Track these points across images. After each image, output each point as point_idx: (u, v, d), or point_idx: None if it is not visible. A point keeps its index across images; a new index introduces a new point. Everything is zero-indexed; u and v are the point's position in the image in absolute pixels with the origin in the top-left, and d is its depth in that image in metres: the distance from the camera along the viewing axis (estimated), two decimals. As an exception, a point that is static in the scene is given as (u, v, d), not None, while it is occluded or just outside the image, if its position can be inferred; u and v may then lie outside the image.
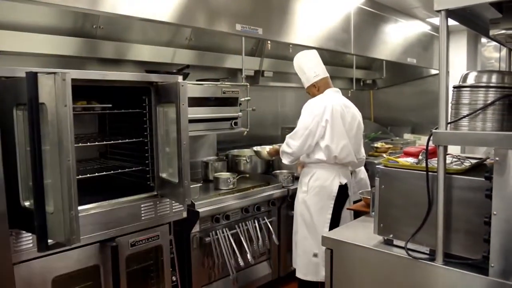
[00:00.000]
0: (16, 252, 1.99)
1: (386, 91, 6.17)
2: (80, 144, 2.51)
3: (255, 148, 3.66)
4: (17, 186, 1.93)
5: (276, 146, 3.37)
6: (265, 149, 3.54)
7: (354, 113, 3.09)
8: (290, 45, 3.89)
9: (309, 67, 3.10)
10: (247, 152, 3.99)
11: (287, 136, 3.00)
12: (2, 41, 2.46)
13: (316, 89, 3.09)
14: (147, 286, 2.66)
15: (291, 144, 2.96)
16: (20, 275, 2.00)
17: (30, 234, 2.02)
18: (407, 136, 5.76)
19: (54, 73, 1.70)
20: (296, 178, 3.71)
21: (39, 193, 1.76)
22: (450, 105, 1.75)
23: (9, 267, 1.91)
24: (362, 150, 3.26)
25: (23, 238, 2.02)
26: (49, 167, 1.79)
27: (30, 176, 1.85)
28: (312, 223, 3.00)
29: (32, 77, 1.71)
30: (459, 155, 1.95)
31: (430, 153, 1.75)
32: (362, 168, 3.60)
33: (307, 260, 3.01)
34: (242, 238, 3.16)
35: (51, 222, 1.80)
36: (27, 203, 1.94)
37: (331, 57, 4.84)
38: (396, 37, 4.54)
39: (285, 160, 3.05)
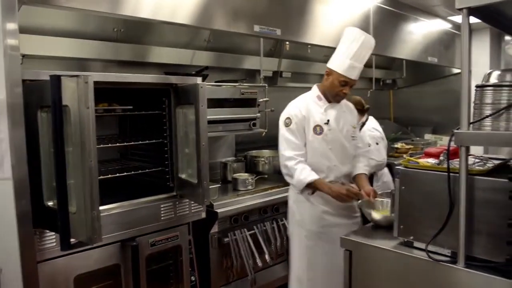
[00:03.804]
0: (40, 250, 2.04)
1: (406, 91, 6.09)
2: (101, 146, 2.55)
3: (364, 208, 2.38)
4: (41, 186, 1.98)
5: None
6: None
7: None
8: (309, 46, 3.88)
9: None
10: (265, 153, 3.99)
11: None
12: (26, 45, 2.51)
13: None
14: (166, 286, 2.69)
15: None
16: (43, 273, 2.04)
17: (53, 233, 2.06)
18: (428, 136, 5.66)
19: (77, 76, 1.74)
20: None
21: (63, 193, 1.80)
22: (472, 104, 1.72)
23: (33, 265, 1.96)
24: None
25: (46, 237, 2.06)
26: (71, 167, 1.83)
27: (53, 176, 1.90)
28: None
29: (56, 80, 1.75)
30: (481, 156, 1.91)
31: (451, 154, 1.72)
32: (386, 170, 3.55)
33: None
34: (260, 239, 3.16)
35: (74, 222, 1.83)
36: (50, 203, 1.98)
37: (350, 57, 4.79)
38: (416, 36, 4.47)
39: None
